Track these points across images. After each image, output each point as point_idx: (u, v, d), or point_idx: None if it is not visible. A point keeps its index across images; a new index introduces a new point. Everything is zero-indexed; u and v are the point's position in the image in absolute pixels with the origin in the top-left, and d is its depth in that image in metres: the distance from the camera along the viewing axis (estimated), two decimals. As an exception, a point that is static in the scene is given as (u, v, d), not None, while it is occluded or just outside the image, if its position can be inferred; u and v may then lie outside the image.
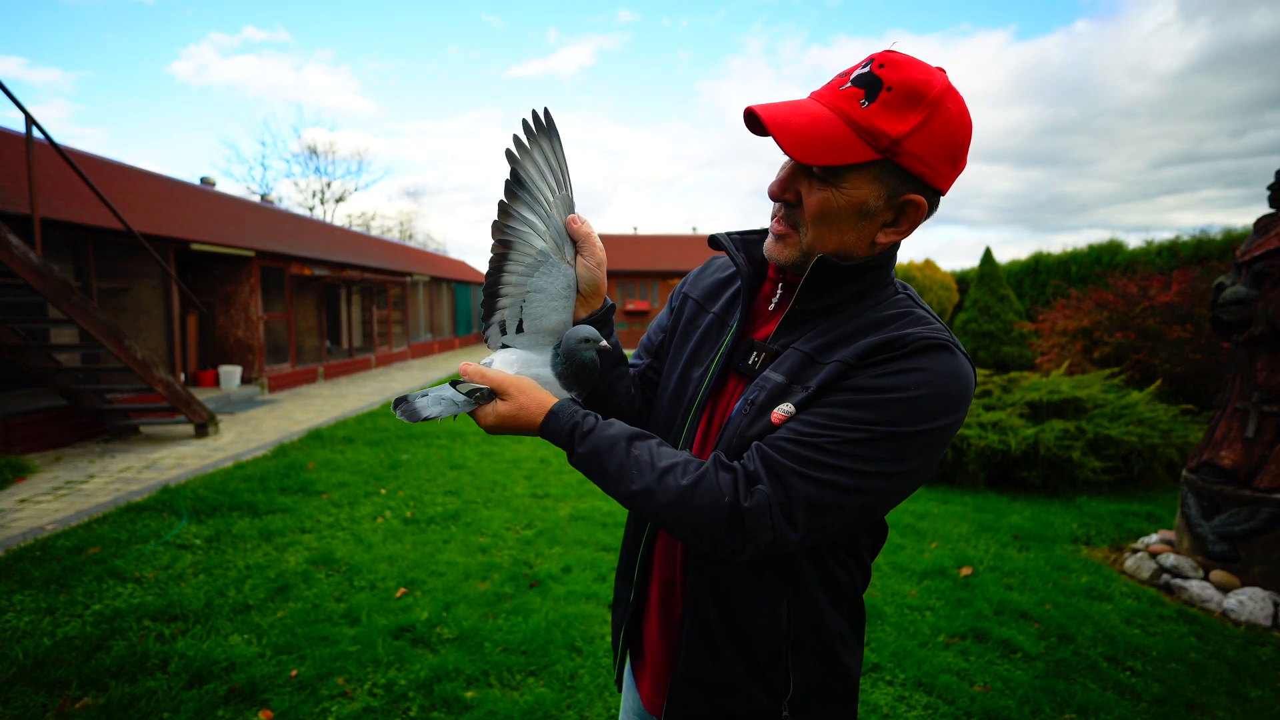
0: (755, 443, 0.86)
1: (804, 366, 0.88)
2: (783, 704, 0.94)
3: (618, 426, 0.90)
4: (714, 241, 1.06)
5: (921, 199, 0.86)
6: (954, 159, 0.85)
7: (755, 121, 0.85)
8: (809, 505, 0.81)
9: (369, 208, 65.22)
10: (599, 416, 0.92)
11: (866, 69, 0.83)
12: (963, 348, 0.87)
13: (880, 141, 0.81)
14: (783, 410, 0.86)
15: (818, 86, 0.90)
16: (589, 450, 0.88)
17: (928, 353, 0.83)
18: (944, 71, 0.85)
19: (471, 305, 25.38)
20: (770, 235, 0.95)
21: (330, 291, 15.15)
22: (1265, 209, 3.77)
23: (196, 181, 14.54)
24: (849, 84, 0.84)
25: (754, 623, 0.93)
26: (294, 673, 2.61)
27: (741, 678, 0.95)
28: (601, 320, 1.03)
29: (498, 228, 0.96)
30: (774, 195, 0.92)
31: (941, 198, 0.89)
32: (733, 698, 0.95)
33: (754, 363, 0.95)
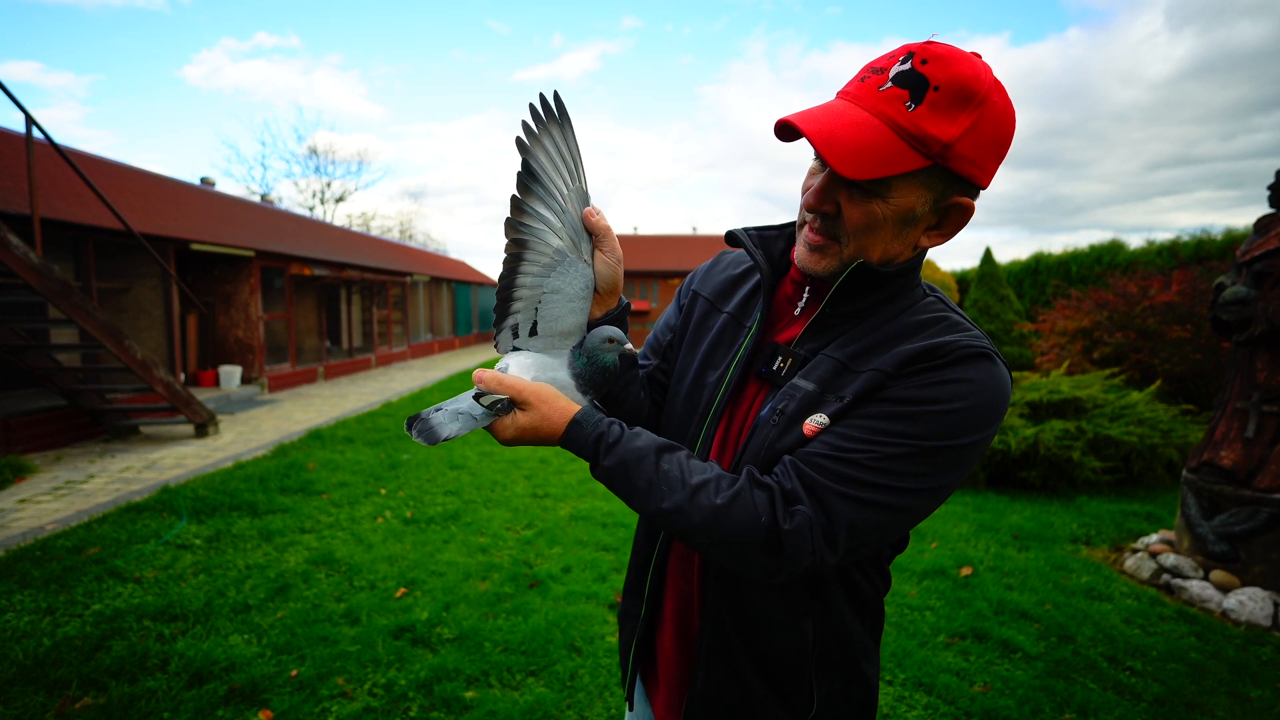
0: (788, 457, 0.81)
1: (837, 375, 0.83)
2: None
3: (645, 437, 0.84)
4: (731, 238, 1.00)
5: (968, 201, 0.82)
6: (1000, 154, 0.80)
7: (789, 132, 0.79)
8: (850, 527, 0.77)
9: (369, 208, 65.60)
10: (624, 425, 0.87)
11: (907, 65, 0.76)
12: (1000, 354, 0.82)
13: (931, 147, 0.75)
14: (816, 421, 0.81)
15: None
16: (615, 463, 0.82)
17: (970, 362, 0.78)
18: (981, 58, 0.78)
19: (472, 305, 25.35)
20: (804, 246, 0.88)
21: (330, 291, 15.15)
22: (1260, 210, 3.77)
23: (197, 181, 14.55)
24: (889, 84, 0.77)
25: (779, 641, 0.89)
26: (294, 673, 2.61)
27: (763, 698, 0.91)
28: (618, 320, 0.98)
29: (511, 225, 0.89)
30: (811, 207, 0.85)
31: (981, 193, 0.84)
32: (752, 718, 0.92)
33: (779, 368, 0.90)
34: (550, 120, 0.88)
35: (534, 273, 0.91)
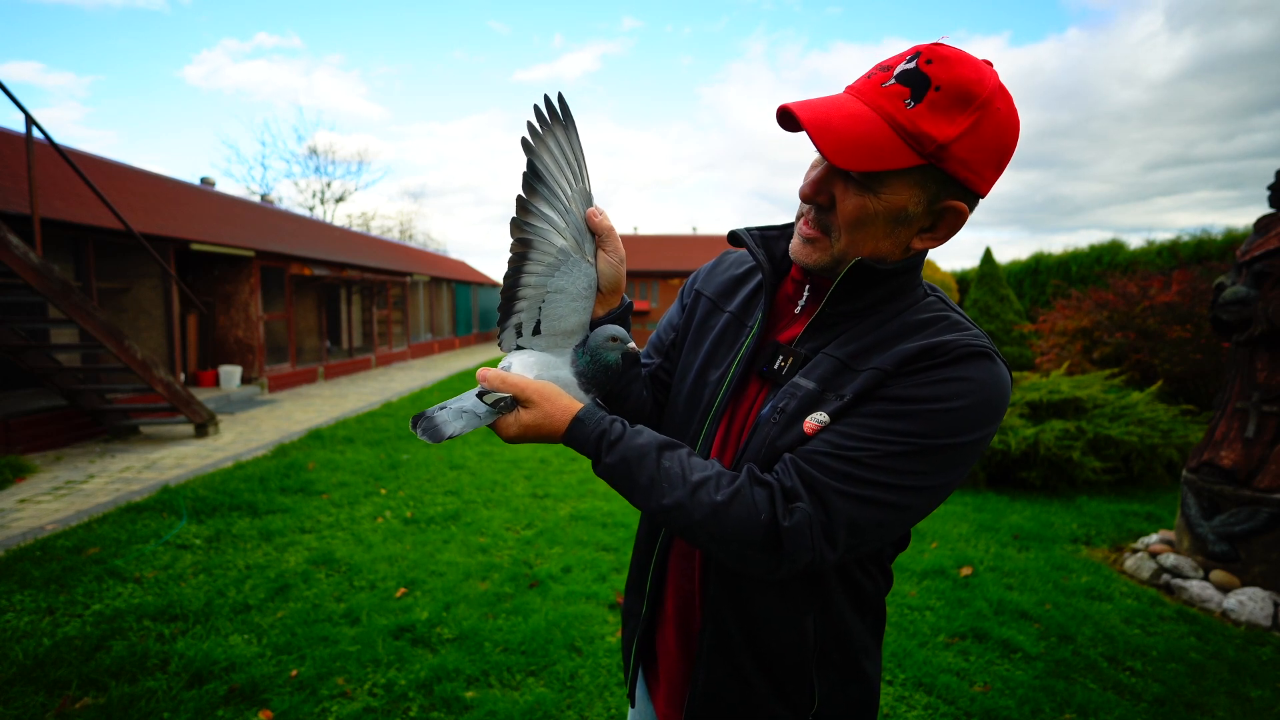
0: (788, 455, 0.81)
1: (837, 373, 0.84)
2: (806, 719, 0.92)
3: (646, 435, 0.85)
4: (733, 237, 1.01)
5: (963, 205, 0.81)
6: (999, 163, 0.80)
7: (789, 119, 0.80)
8: (850, 524, 0.77)
9: (369, 208, 65.77)
10: (626, 423, 0.87)
11: (912, 64, 0.76)
12: (1000, 353, 0.83)
13: (926, 146, 0.75)
14: (816, 419, 0.82)
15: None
16: (617, 460, 0.83)
17: (969, 360, 0.79)
18: (991, 65, 0.78)
19: (472, 305, 25.33)
20: (798, 237, 0.89)
21: (330, 291, 15.15)
22: (1260, 210, 3.77)
23: (197, 181, 14.55)
24: (893, 80, 0.77)
25: (780, 639, 0.90)
26: (294, 673, 2.61)
27: (763, 695, 0.91)
28: (620, 319, 0.99)
29: (517, 225, 0.89)
30: (806, 197, 0.86)
31: (980, 201, 0.83)
32: (753, 715, 0.92)
33: (780, 367, 0.90)
34: (555, 122, 0.88)
35: (538, 272, 0.92)
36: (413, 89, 77.94)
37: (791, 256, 0.91)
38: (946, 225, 0.84)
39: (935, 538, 4.22)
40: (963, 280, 18.36)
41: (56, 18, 54.16)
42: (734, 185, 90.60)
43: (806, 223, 0.88)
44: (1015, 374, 6.57)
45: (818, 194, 0.85)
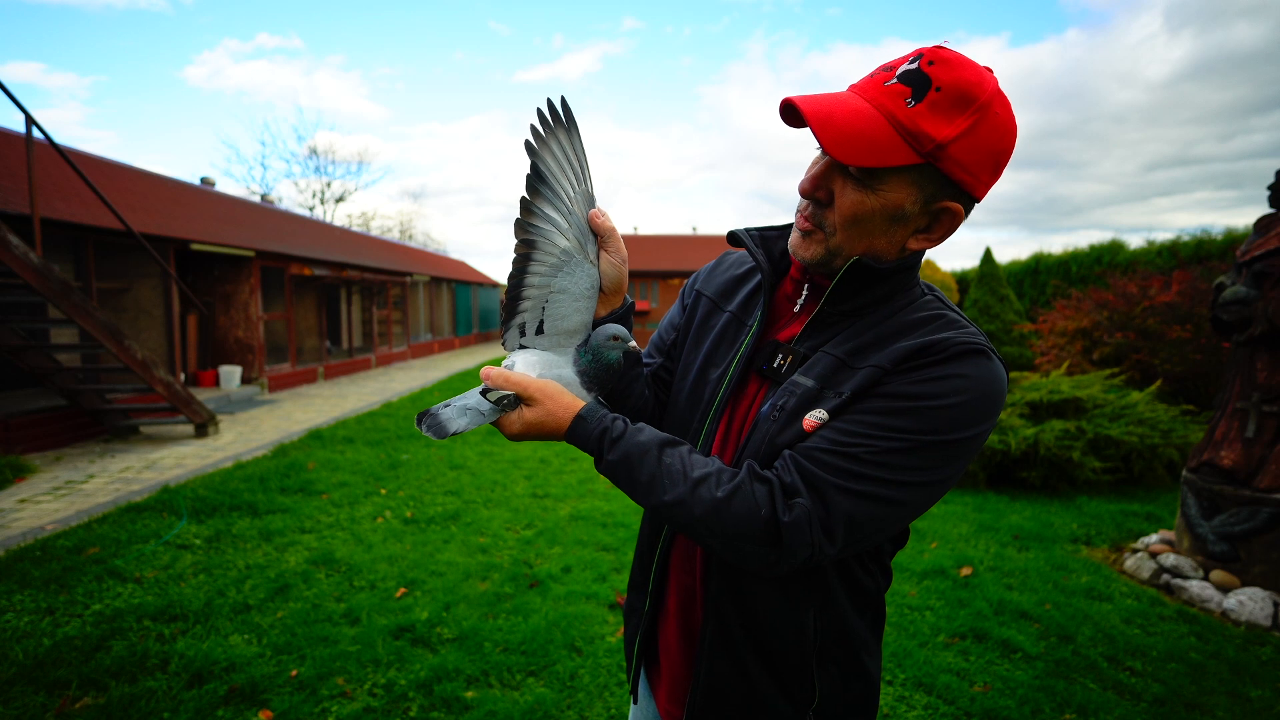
0: (788, 452, 0.82)
1: (836, 371, 0.85)
2: (807, 715, 0.92)
3: (648, 433, 0.86)
4: (733, 237, 1.02)
5: (958, 207, 0.82)
6: (996, 167, 0.81)
7: (792, 113, 0.81)
8: (848, 520, 0.78)
9: (369, 208, 65.77)
10: (627, 421, 0.88)
11: (914, 65, 0.78)
12: (997, 351, 0.84)
13: (924, 145, 0.76)
14: (815, 417, 0.83)
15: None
16: (618, 458, 0.84)
17: (966, 358, 0.80)
18: (992, 72, 0.80)
19: (472, 305, 25.32)
20: (795, 231, 0.91)
21: (330, 291, 15.15)
22: (1258, 211, 3.77)
23: (197, 181, 14.55)
24: (895, 80, 0.78)
25: (780, 633, 0.90)
26: (294, 673, 2.61)
27: (765, 689, 0.92)
28: (622, 319, 1.00)
29: (521, 226, 0.91)
30: (805, 192, 0.87)
31: (976, 205, 0.85)
32: (755, 710, 0.93)
33: (779, 365, 0.91)
34: (558, 125, 0.90)
35: (542, 272, 0.93)
36: (414, 89, 78.17)
37: (789, 249, 0.93)
38: (942, 226, 0.84)
39: (935, 538, 4.22)
40: (963, 280, 18.36)
41: (58, 18, 54.36)
42: (734, 186, 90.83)
43: (803, 216, 0.89)
44: (1015, 374, 6.57)
45: (816, 189, 0.86)
